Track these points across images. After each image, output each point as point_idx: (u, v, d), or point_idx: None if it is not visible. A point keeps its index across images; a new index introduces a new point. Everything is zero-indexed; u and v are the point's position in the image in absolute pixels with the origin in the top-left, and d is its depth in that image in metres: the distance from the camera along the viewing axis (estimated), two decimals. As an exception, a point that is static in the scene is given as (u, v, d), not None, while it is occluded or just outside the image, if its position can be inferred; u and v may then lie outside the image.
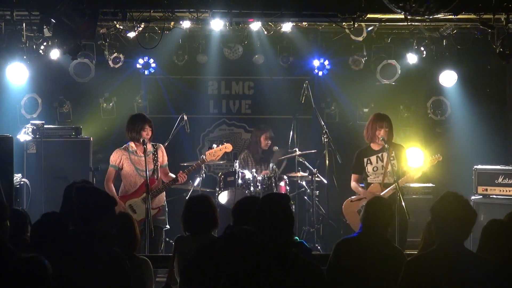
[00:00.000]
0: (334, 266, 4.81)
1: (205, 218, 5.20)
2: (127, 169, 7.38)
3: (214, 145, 7.99)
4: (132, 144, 7.39)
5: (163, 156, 7.50)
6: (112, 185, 7.39)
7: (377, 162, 7.39)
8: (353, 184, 7.51)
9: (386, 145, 7.21)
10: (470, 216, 3.93)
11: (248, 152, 9.33)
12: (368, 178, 7.44)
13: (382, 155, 7.36)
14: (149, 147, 7.38)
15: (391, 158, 7.17)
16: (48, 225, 4.56)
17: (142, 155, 7.29)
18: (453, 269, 3.85)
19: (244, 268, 3.55)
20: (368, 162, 7.42)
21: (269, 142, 9.25)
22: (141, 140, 7.26)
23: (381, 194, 7.21)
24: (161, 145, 7.58)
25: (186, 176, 7.45)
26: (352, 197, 7.54)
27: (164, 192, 7.50)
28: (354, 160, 7.53)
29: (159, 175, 7.42)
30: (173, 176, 7.42)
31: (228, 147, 7.90)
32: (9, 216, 4.60)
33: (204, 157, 7.78)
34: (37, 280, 3.58)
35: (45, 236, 4.42)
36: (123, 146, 7.48)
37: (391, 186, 7.16)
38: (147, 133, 7.29)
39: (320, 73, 9.71)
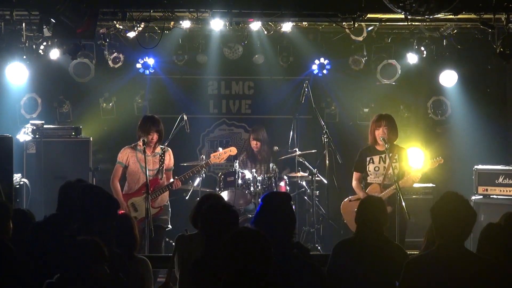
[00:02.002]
0: (334, 268, 4.81)
1: None
2: (132, 167, 7.42)
3: (220, 148, 8.05)
4: (140, 143, 7.42)
5: (169, 160, 7.53)
6: (118, 182, 7.42)
7: (379, 163, 7.37)
8: (354, 183, 7.48)
9: (386, 146, 7.17)
10: (470, 216, 3.93)
11: (245, 154, 9.32)
12: (368, 178, 7.42)
13: (385, 156, 7.33)
14: (158, 149, 7.45)
15: (394, 161, 7.16)
16: (47, 226, 4.56)
17: (150, 154, 7.35)
18: (454, 270, 3.84)
19: (245, 268, 3.54)
20: (370, 161, 7.40)
21: (256, 143, 9.13)
22: (144, 141, 7.27)
23: (381, 195, 7.19)
24: (170, 149, 7.60)
25: (180, 184, 7.48)
26: (350, 196, 7.52)
27: (168, 192, 7.52)
28: (357, 158, 7.51)
29: (163, 176, 7.44)
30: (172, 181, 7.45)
31: (232, 150, 7.98)
32: (13, 217, 4.59)
33: (208, 159, 7.84)
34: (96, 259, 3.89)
35: (44, 237, 4.42)
36: (132, 145, 7.50)
37: (391, 187, 7.14)
38: (152, 137, 7.31)
39: (321, 73, 9.71)
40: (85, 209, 4.40)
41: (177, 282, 5.12)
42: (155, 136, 7.34)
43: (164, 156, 7.44)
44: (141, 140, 7.29)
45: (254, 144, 9.15)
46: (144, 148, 7.30)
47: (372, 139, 7.41)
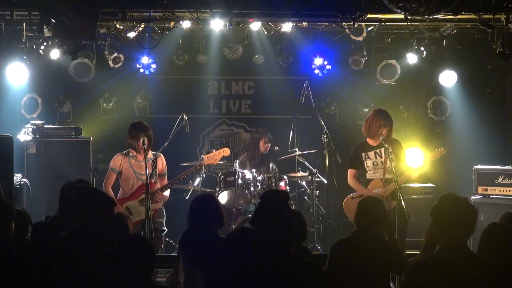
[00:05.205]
0: (332, 268, 4.82)
1: (208, 217, 5.22)
2: (125, 173, 7.42)
3: (213, 150, 8.03)
4: (132, 150, 7.43)
5: (162, 165, 7.53)
6: (110, 188, 7.39)
7: (375, 158, 7.37)
8: (351, 180, 7.44)
9: (386, 145, 7.18)
10: (470, 215, 3.92)
11: (246, 156, 9.33)
12: (367, 174, 7.42)
13: (380, 150, 7.34)
14: (149, 154, 7.42)
15: (389, 153, 7.16)
16: (48, 226, 4.56)
17: (142, 160, 7.32)
18: (457, 272, 3.80)
19: (245, 268, 3.55)
20: (367, 157, 7.39)
21: (269, 145, 9.23)
22: (136, 148, 7.29)
23: (384, 190, 7.16)
24: (161, 155, 7.60)
25: (166, 196, 7.45)
26: (353, 193, 7.51)
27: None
28: (351, 155, 7.50)
29: (157, 179, 7.44)
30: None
31: (226, 151, 7.94)
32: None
33: (202, 161, 7.83)
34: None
35: (45, 237, 4.42)
36: (124, 152, 7.50)
37: (393, 183, 7.11)
38: (143, 143, 7.29)
39: (321, 73, 9.71)
40: (80, 210, 4.39)
41: (182, 284, 5.14)
42: (145, 142, 7.32)
43: (156, 161, 7.44)
44: (141, 141, 7.26)
45: (266, 146, 9.19)
46: (145, 149, 7.25)
47: (373, 133, 7.35)
